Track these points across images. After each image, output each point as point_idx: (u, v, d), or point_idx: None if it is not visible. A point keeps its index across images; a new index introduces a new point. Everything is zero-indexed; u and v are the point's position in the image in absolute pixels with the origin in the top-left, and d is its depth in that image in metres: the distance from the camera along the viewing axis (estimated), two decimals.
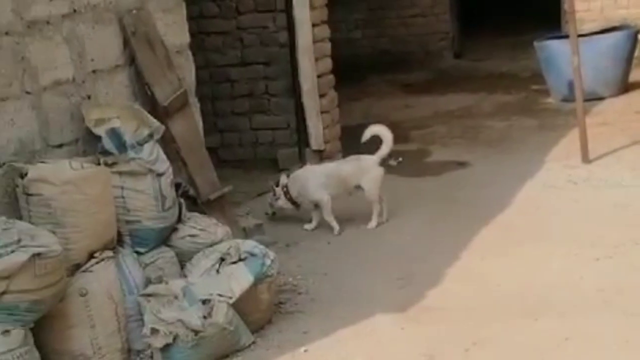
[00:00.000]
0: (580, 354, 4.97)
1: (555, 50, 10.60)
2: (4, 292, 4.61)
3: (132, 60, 5.99)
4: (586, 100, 9.27)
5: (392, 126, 10.50)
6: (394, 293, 6.04)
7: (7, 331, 4.67)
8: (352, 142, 9.11)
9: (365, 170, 7.32)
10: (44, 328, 4.93)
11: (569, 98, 9.56)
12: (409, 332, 5.50)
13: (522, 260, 6.33)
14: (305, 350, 5.35)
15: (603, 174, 7.99)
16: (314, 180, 7.27)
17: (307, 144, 8.35)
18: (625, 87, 11.00)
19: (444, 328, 5.47)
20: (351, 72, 12.42)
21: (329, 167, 7.60)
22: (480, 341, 5.25)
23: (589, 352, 4.98)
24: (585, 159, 8.35)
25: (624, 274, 5.93)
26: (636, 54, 11.53)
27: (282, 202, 7.39)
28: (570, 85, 8.98)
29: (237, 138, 8.97)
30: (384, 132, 7.38)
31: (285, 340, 5.51)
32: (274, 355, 5.34)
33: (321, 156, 8.38)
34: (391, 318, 5.68)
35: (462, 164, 8.94)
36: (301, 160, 8.39)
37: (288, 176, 7.36)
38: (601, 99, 10.59)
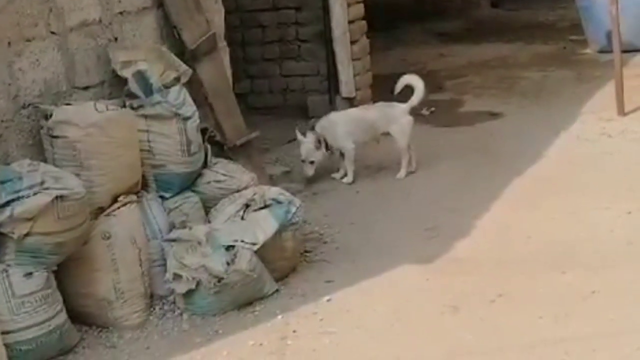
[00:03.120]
0: (607, 308, 4.89)
1: (594, 0, 10.37)
2: (27, 234, 4.62)
3: (160, 3, 5.92)
4: (624, 51, 9.07)
5: (426, 75, 10.42)
6: (420, 244, 5.98)
7: (29, 273, 4.69)
8: (384, 91, 9.02)
9: (394, 117, 7.23)
10: (67, 271, 4.94)
11: (607, 49, 9.36)
12: (434, 283, 5.44)
13: (553, 213, 6.24)
14: (328, 300, 5.31)
15: (638, 127, 7.83)
16: (341, 126, 7.18)
17: (338, 91, 8.24)
18: None
19: (470, 280, 5.41)
20: (386, 20, 12.28)
21: (355, 112, 7.51)
22: (505, 293, 5.18)
23: (615, 306, 4.89)
24: (621, 111, 8.20)
25: None
26: None
27: (322, 153, 7.15)
28: (609, 36, 8.79)
29: (267, 84, 8.89)
30: (415, 81, 7.29)
31: (309, 289, 5.48)
32: (297, 303, 5.31)
33: (352, 103, 8.27)
34: (417, 269, 5.63)
35: (495, 115, 8.81)
36: (332, 108, 8.29)
37: (313, 127, 7.21)
38: (639, 50, 10.36)
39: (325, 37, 8.24)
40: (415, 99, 7.25)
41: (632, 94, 8.40)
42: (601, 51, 10.42)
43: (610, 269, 5.31)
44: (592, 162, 7.18)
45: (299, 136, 7.07)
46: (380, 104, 7.44)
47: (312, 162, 6.97)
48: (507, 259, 5.64)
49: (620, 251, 5.56)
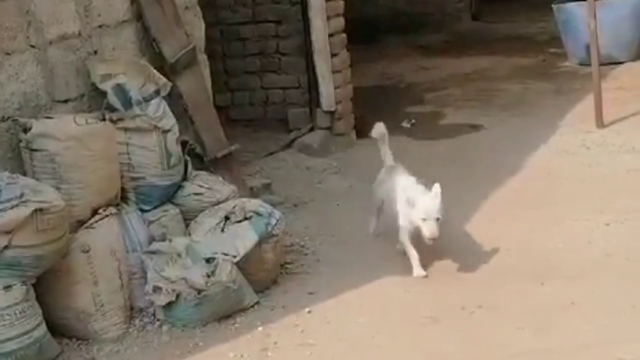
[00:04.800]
0: (586, 319, 4.92)
1: (573, 13, 10.44)
2: (5, 247, 4.60)
3: (139, 16, 5.93)
4: (603, 64, 9.14)
5: (407, 88, 10.56)
6: (401, 256, 5.98)
7: (9, 286, 4.66)
8: (367, 104, 9.08)
9: None
10: (47, 284, 4.92)
11: (586, 62, 9.42)
12: (414, 294, 5.46)
13: (532, 225, 6.27)
14: (309, 311, 5.32)
15: (617, 139, 7.89)
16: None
17: (318, 104, 8.25)
18: None
19: (450, 291, 5.43)
20: (367, 33, 12.31)
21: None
22: (485, 304, 5.20)
23: (594, 317, 4.92)
24: (600, 123, 8.25)
25: (633, 240, 5.86)
26: None
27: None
28: (588, 49, 8.85)
29: (247, 97, 8.87)
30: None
31: (290, 300, 5.48)
32: (278, 315, 5.31)
33: (332, 116, 8.27)
34: (397, 280, 5.64)
35: (475, 127, 8.85)
36: (312, 120, 8.29)
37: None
38: (618, 63, 10.44)
39: (306, 50, 8.25)
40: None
41: (611, 106, 8.46)
42: (580, 64, 10.48)
43: (589, 280, 5.35)
44: (571, 174, 7.22)
45: (413, 192, 5.65)
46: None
47: (438, 219, 5.53)
48: (486, 269, 5.67)
49: (598, 262, 5.60)
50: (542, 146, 7.95)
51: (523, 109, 9.32)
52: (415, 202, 5.56)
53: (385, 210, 6.12)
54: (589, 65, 8.72)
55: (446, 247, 5.90)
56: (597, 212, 6.33)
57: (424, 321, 5.12)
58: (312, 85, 8.25)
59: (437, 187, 5.57)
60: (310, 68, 8.22)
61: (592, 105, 8.36)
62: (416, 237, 5.68)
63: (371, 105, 9.28)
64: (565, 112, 8.88)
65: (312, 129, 8.30)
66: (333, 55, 8.18)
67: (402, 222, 5.75)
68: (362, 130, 8.59)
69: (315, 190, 7.38)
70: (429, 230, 5.49)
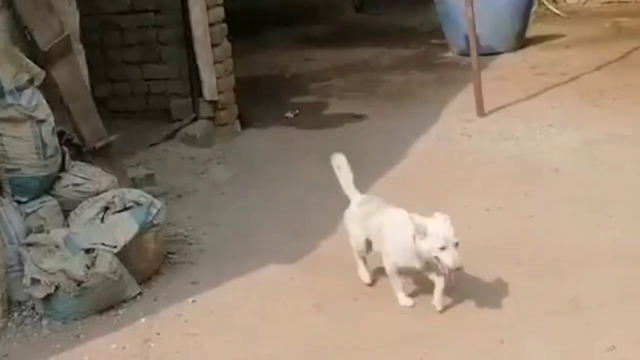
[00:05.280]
0: (466, 304, 5.00)
1: (452, 4, 10.57)
2: None
3: (10, 3, 5.73)
4: (483, 54, 9.31)
5: (291, 79, 10.56)
6: (286, 244, 5.98)
7: None
8: (251, 94, 9.04)
9: None
10: None
11: (467, 52, 9.55)
12: (299, 282, 5.45)
13: (414, 211, 6.31)
14: (193, 301, 5.27)
15: (497, 127, 8.03)
16: None
17: (201, 94, 8.16)
18: (522, 42, 11.09)
19: (335, 278, 5.44)
20: (251, 24, 12.27)
21: None
22: (369, 291, 5.24)
23: (476, 301, 5.00)
24: (480, 112, 8.39)
25: (512, 224, 5.98)
26: (533, 9, 11.67)
27: None
28: (468, 39, 8.98)
29: (128, 88, 8.70)
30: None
31: (174, 290, 5.41)
32: (161, 306, 5.24)
33: (215, 106, 8.19)
34: (282, 268, 5.63)
35: (359, 117, 8.90)
36: (194, 111, 8.19)
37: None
38: (498, 53, 10.65)
39: (186, 40, 8.14)
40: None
41: (491, 95, 8.60)
42: (461, 54, 10.65)
43: (469, 265, 5.39)
44: (452, 162, 7.33)
45: (420, 220, 4.93)
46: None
47: (457, 244, 4.79)
48: (370, 256, 5.67)
49: (479, 247, 5.67)
50: (424, 135, 8.03)
51: (406, 99, 9.42)
52: (426, 230, 4.79)
53: (375, 243, 5.25)
54: (469, 55, 8.86)
55: (330, 233, 5.92)
56: (478, 198, 6.44)
57: (308, 308, 5.12)
58: (194, 75, 8.15)
59: (441, 215, 4.87)
60: (191, 58, 8.12)
61: (473, 94, 8.49)
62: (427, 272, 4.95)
63: (256, 96, 9.26)
64: (447, 101, 9.00)
65: (195, 120, 8.21)
66: (214, 45, 8.11)
67: (392, 258, 5.01)
68: (245, 121, 8.57)
69: (200, 181, 7.31)
70: (451, 258, 4.70)
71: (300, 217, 6.42)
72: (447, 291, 4.94)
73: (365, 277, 5.34)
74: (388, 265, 5.08)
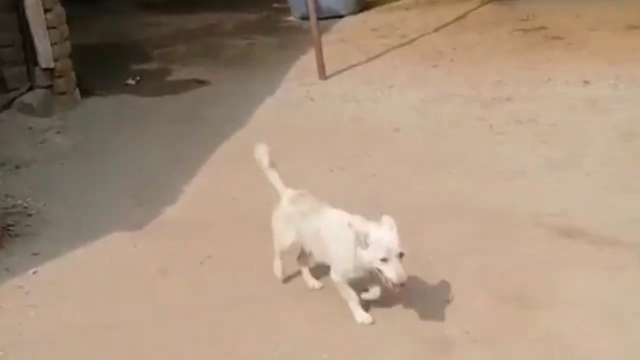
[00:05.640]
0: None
1: None
2: None
3: None
4: (325, 18, 9.38)
5: (133, 45, 10.39)
6: (130, 211, 5.92)
7: None
8: (91, 61, 8.86)
9: None
10: None
11: (308, 16, 9.61)
12: (143, 248, 5.42)
13: (259, 175, 6.33)
14: (34, 272, 5.17)
15: (339, 90, 8.13)
16: None
17: (36, 62, 7.91)
18: (363, 5, 11.21)
19: (179, 243, 5.43)
20: None
21: None
22: (213, 255, 5.24)
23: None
24: (322, 75, 8.47)
25: (355, 184, 6.08)
26: None
27: None
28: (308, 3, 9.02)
29: None
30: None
31: (14, 263, 5.30)
32: (2, 278, 5.12)
33: (52, 74, 7.96)
34: (126, 236, 5.58)
35: (202, 83, 8.85)
36: (30, 79, 7.94)
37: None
38: (340, 16, 10.74)
39: (17, 6, 7.83)
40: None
41: (333, 58, 8.70)
42: (302, 18, 10.70)
43: None
44: (295, 125, 7.38)
45: (360, 227, 4.31)
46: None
47: (402, 255, 4.22)
48: (214, 222, 5.70)
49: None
50: (268, 99, 8.06)
51: (249, 64, 9.42)
52: (368, 239, 4.21)
53: (309, 253, 4.75)
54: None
55: (174, 199, 5.89)
56: (321, 160, 6.51)
57: (153, 274, 5.10)
58: (28, 42, 7.89)
59: (388, 219, 4.27)
60: (24, 24, 7.84)
61: (315, 58, 8.55)
62: (366, 284, 4.52)
63: (96, 63, 9.08)
64: (290, 65, 9.05)
65: (31, 88, 7.97)
66: (47, 10, 7.85)
67: (343, 265, 4.44)
68: (86, 89, 8.38)
69: (39, 151, 7.14)
70: (395, 272, 4.15)
71: (143, 184, 6.37)
72: (388, 302, 4.53)
73: (279, 273, 4.85)
74: (336, 277, 4.50)
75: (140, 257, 5.31)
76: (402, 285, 4.15)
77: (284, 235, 4.80)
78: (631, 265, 4.82)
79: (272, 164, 4.95)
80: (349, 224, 4.29)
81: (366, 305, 4.53)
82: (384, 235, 4.20)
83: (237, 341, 4.42)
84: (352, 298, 4.52)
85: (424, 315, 4.44)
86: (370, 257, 4.21)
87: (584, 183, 5.82)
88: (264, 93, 8.20)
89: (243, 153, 6.71)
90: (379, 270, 4.20)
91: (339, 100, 7.90)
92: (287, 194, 4.87)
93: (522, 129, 6.81)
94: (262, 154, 4.96)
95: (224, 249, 5.30)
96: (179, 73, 9.31)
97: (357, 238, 4.23)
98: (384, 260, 4.16)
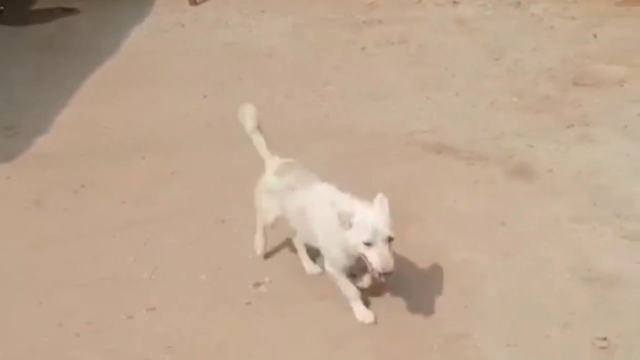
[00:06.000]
0: (186, 186, 5.09)
1: None
2: None
3: None
4: None
5: None
6: (0, 143, 5.79)
7: None
8: None
9: None
10: None
11: None
12: (16, 180, 5.34)
13: (132, 103, 6.29)
14: None
15: (210, 15, 8.05)
16: None
17: None
18: None
19: (52, 173, 5.36)
20: None
21: None
22: (88, 183, 5.21)
23: (194, 184, 5.10)
24: (193, 1, 8.35)
25: (228, 109, 6.03)
26: None
27: None
28: None
29: None
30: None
31: None
32: None
33: None
34: None
35: (69, 11, 8.61)
36: None
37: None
38: None
39: None
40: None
41: None
42: None
43: (189, 151, 5.50)
44: (167, 52, 7.29)
45: (345, 206, 3.77)
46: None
47: (391, 240, 3.73)
48: (87, 150, 5.64)
49: (198, 133, 5.76)
50: (138, 26, 7.92)
51: None
52: (352, 220, 3.72)
53: (294, 230, 4.25)
54: None
55: (45, 130, 5.80)
56: (195, 86, 6.48)
57: (27, 205, 5.05)
58: None
59: (381, 199, 3.74)
60: None
61: None
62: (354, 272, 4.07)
63: None
64: None
65: None
66: None
67: (331, 251, 3.94)
68: None
69: None
70: (379, 259, 3.66)
71: (12, 115, 6.22)
72: (375, 293, 4.13)
73: (259, 248, 4.42)
74: (329, 265, 4.01)
75: (13, 189, 5.23)
76: (387, 274, 3.66)
77: (266, 210, 4.26)
78: (499, 178, 5.00)
79: (258, 128, 4.30)
80: (332, 203, 3.77)
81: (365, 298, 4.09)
82: (370, 215, 3.69)
83: (116, 266, 4.43)
84: (350, 293, 4.01)
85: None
86: (353, 240, 3.71)
87: (454, 101, 5.96)
88: (132, 20, 8.04)
89: (116, 81, 6.68)
90: (364, 256, 3.72)
91: (210, 26, 7.82)
92: (272, 163, 4.26)
93: (393, 50, 6.89)
94: (246, 115, 4.32)
95: (99, 177, 5.27)
96: (44, 1, 9.04)
97: (339, 218, 3.71)
98: (369, 244, 3.67)
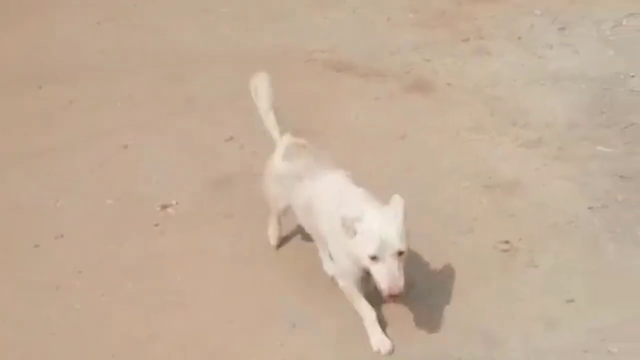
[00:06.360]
0: (86, 114, 5.03)
1: None
2: None
3: None
4: None
5: None
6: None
7: None
8: None
9: None
10: None
11: None
12: None
13: (29, 31, 6.13)
14: None
15: None
16: None
17: None
18: None
19: None
20: None
21: None
22: None
23: (93, 111, 5.05)
24: None
25: (126, 36, 5.96)
26: None
27: None
28: None
29: None
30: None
31: None
32: None
33: None
34: None
35: None
36: None
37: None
38: None
39: None
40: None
41: None
42: None
43: (86, 79, 5.41)
44: None
45: (352, 209, 3.21)
46: None
47: (401, 254, 3.14)
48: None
49: (94, 60, 5.65)
50: None
51: None
52: (356, 227, 3.14)
53: (304, 225, 3.68)
54: None
55: None
56: (88, 12, 6.33)
57: None
58: None
59: (397, 199, 3.19)
60: None
61: None
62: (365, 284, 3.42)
63: None
64: None
65: None
66: None
67: (339, 258, 3.35)
68: None
69: None
70: (386, 278, 3.09)
71: None
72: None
73: (273, 239, 3.90)
74: (338, 279, 3.45)
75: None
76: (394, 297, 3.09)
77: (276, 197, 3.73)
78: (398, 93, 5.07)
79: (270, 104, 3.75)
80: (341, 202, 3.22)
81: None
82: (378, 223, 3.11)
83: (20, 196, 4.38)
84: (366, 314, 3.40)
85: None
86: (357, 252, 3.15)
87: (352, 18, 6.00)
88: None
89: (3, 10, 6.48)
90: (368, 270, 3.16)
91: None
92: (282, 144, 3.70)
93: None
94: (261, 89, 3.76)
95: None
96: None
97: (342, 223, 3.13)
98: (374, 258, 3.11)
